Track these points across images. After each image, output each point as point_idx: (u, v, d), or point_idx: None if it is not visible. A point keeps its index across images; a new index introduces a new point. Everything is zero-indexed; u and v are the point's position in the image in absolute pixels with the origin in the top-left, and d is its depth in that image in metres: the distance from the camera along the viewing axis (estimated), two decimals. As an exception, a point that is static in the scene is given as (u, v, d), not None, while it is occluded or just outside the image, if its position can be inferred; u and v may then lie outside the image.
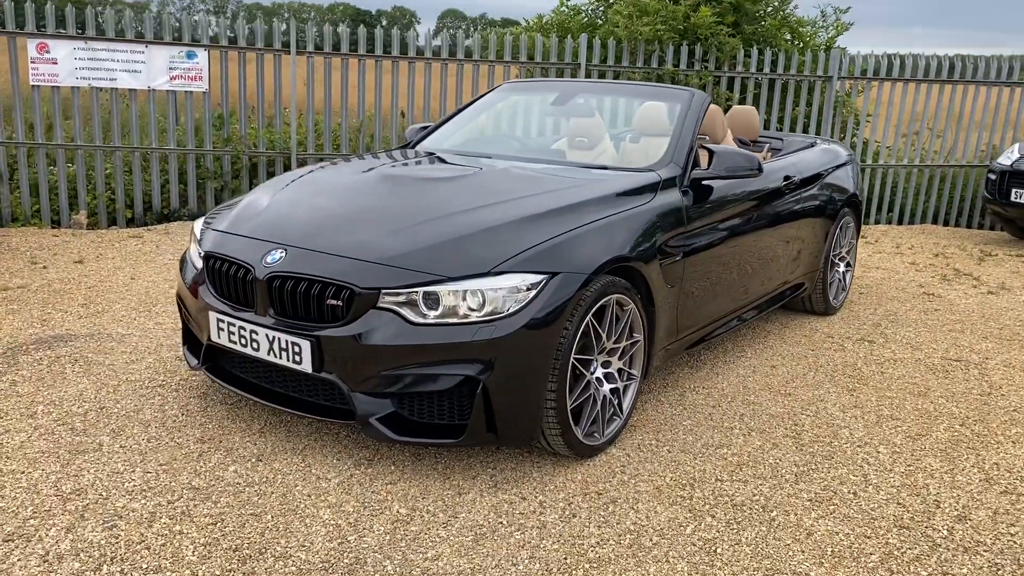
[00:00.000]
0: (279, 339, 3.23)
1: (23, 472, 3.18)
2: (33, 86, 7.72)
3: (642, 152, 4.50)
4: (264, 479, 3.22)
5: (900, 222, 10.29)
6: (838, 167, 5.71)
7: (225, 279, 3.46)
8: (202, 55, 8.08)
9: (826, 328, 5.51)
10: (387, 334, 3.09)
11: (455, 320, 3.09)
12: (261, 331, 3.29)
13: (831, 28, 10.65)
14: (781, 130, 9.70)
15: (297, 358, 3.20)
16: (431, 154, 4.62)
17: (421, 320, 3.09)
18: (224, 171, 8.37)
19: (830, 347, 5.12)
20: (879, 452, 3.73)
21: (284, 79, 8.42)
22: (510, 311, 3.10)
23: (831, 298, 5.75)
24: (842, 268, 5.93)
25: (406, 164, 4.32)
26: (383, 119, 8.71)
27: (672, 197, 3.97)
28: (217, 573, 2.64)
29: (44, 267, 6.17)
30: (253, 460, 3.36)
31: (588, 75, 9.04)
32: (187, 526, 2.88)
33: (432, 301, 3.10)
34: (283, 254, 3.31)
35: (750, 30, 9.71)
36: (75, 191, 8.02)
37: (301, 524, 2.93)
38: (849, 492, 3.36)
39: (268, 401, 3.40)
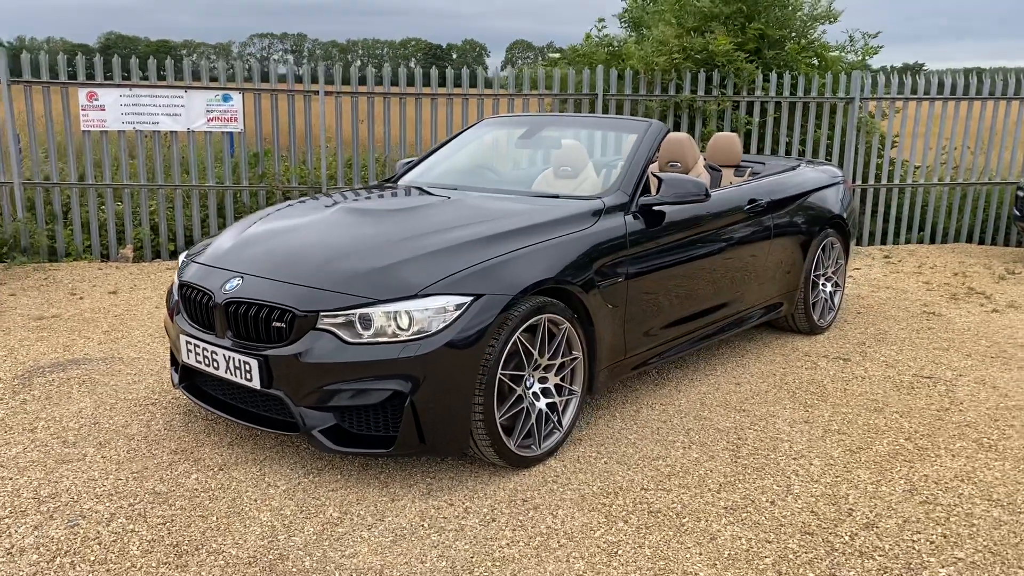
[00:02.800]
0: (233, 358, 3.59)
1: (10, 478, 3.58)
2: (84, 131, 8.35)
3: (597, 181, 4.74)
4: (220, 485, 3.56)
5: (932, 241, 10.21)
6: (820, 189, 5.84)
7: (194, 305, 3.84)
8: (237, 97, 8.62)
9: (807, 347, 5.63)
10: (324, 353, 3.40)
11: (385, 339, 3.39)
12: (220, 351, 3.64)
13: (859, 52, 10.67)
14: (803, 154, 9.78)
15: (248, 375, 3.55)
16: (404, 187, 4.96)
17: (355, 340, 3.40)
18: (260, 205, 8.87)
19: (802, 365, 5.25)
20: (812, 464, 3.87)
21: (314, 117, 8.90)
22: (435, 330, 3.39)
23: (816, 318, 5.85)
24: (829, 288, 6.03)
25: (368, 198, 4.66)
26: (408, 151, 9.11)
27: (615, 223, 4.20)
28: (153, 565, 2.97)
29: (80, 298, 6.70)
30: (215, 469, 3.71)
31: (605, 104, 9.30)
32: (140, 525, 3.23)
33: (366, 322, 3.41)
34: (240, 281, 3.67)
35: (770, 55, 9.82)
36: (123, 227, 8.62)
37: (241, 525, 3.25)
38: (767, 501, 3.52)
39: (229, 415, 3.75)
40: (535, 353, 3.72)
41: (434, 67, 9.14)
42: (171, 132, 8.56)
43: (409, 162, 5.46)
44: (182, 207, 8.69)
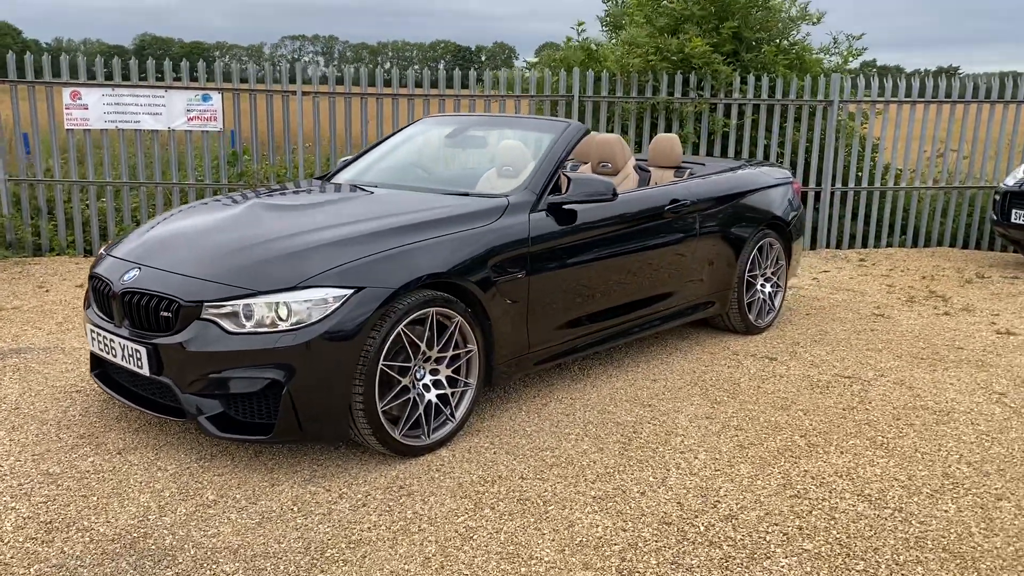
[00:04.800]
0: (128, 346, 3.73)
1: (-85, 458, 3.75)
2: (68, 129, 8.60)
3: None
4: (112, 468, 3.70)
5: (914, 245, 10.16)
6: (758, 190, 5.88)
7: (99, 296, 4.00)
8: (216, 97, 8.82)
9: (739, 346, 5.67)
10: (207, 342, 3.54)
11: (265, 329, 3.51)
12: (117, 339, 3.80)
13: (843, 53, 10.64)
14: (781, 156, 9.78)
15: (139, 363, 3.69)
16: (328, 184, 5.10)
17: (237, 330, 3.53)
18: (237, 203, 9.04)
19: (726, 364, 5.30)
20: (696, 458, 3.94)
21: (292, 116, 9.07)
22: (313, 321, 3.51)
23: (752, 318, 5.89)
24: (768, 289, 6.06)
25: (284, 194, 4.80)
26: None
27: (517, 220, 4.30)
28: (21, 540, 3.12)
29: (47, 290, 6.92)
30: (114, 453, 3.86)
31: (582, 106, 9.38)
32: (22, 503, 3.38)
33: (248, 312, 3.54)
34: (137, 273, 3.82)
35: (748, 58, 9.84)
36: (106, 223, 8.85)
37: (119, 505, 3.39)
38: (638, 492, 3.60)
39: (129, 401, 3.89)
40: (422, 345, 3.82)
41: (411, 68, 9.27)
42: (152, 131, 8.77)
43: (347, 159, 5.59)
44: (163, 204, 8.90)
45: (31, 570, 2.94)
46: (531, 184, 4.51)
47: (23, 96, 8.53)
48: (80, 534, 3.17)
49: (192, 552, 3.08)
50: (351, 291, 3.58)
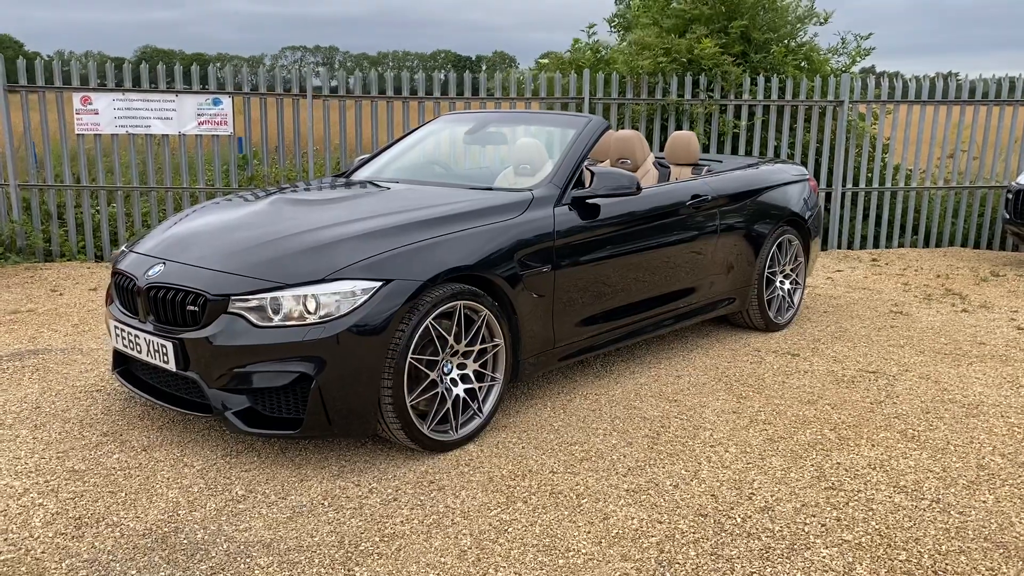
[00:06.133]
0: (153, 342, 3.70)
1: (-61, 456, 3.71)
2: (78, 135, 8.58)
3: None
4: (138, 465, 3.66)
5: (926, 245, 10.13)
6: (776, 187, 5.85)
7: (123, 292, 3.97)
8: (226, 101, 8.80)
9: (760, 343, 5.63)
10: (233, 336, 3.50)
11: (293, 322, 3.48)
12: (142, 335, 3.76)
13: (851, 54, 10.63)
14: (792, 157, 9.76)
15: (165, 358, 3.65)
16: (348, 181, 5.07)
17: (265, 323, 3.49)
18: (247, 207, 9.01)
19: (748, 360, 5.26)
20: (727, 452, 3.90)
21: (302, 121, 9.05)
22: (342, 314, 3.47)
23: (772, 314, 5.85)
24: (787, 285, 6.03)
25: (307, 190, 4.77)
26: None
27: (542, 214, 4.26)
28: (51, 535, 3.08)
29: (60, 294, 6.88)
30: (139, 450, 3.82)
31: (592, 108, 9.36)
32: (49, 500, 3.34)
33: (275, 306, 3.50)
34: (162, 267, 3.78)
35: (757, 59, 9.83)
36: (117, 228, 8.82)
37: (147, 501, 3.35)
38: (671, 485, 3.56)
39: (154, 397, 3.85)
40: (450, 339, 3.78)
41: (421, 71, 9.25)
42: (163, 135, 8.75)
43: (363, 158, 5.56)
44: (173, 209, 8.88)
45: (63, 565, 2.90)
46: (555, 178, 4.48)
47: (33, 106, 8.52)
48: (110, 529, 3.13)
49: (224, 546, 3.04)
50: (380, 283, 3.55)
